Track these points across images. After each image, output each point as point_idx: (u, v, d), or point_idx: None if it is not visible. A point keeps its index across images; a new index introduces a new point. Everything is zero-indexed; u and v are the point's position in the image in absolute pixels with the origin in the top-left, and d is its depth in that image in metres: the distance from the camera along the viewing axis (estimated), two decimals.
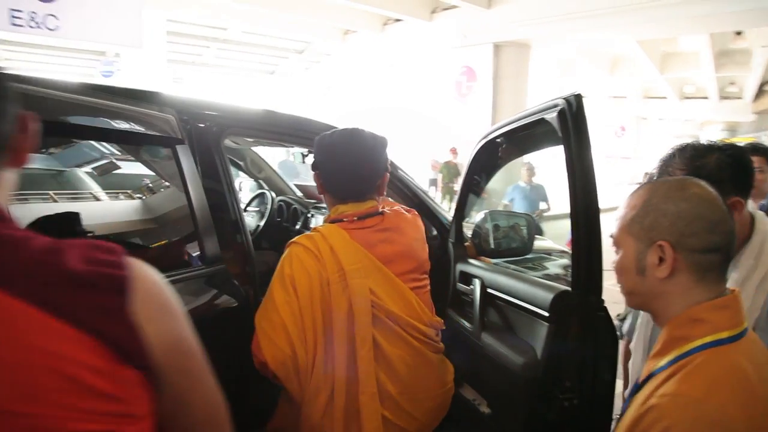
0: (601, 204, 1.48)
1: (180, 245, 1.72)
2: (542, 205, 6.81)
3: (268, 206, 3.15)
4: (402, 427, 1.58)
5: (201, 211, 1.65)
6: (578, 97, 1.57)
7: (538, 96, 10.94)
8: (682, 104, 18.68)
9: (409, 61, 11.92)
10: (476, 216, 2.60)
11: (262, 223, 3.09)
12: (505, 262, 2.44)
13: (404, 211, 1.71)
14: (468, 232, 2.50)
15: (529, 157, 6.40)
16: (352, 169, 1.53)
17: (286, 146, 2.60)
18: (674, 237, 0.93)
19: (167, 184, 1.68)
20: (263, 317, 1.46)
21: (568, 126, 1.56)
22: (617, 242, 1.01)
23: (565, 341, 1.61)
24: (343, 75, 13.99)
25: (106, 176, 1.83)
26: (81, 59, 13.77)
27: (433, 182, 13.10)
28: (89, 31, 7.79)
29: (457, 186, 10.95)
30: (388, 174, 1.63)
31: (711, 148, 1.20)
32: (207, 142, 1.79)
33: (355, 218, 1.54)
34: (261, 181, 3.50)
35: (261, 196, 3.35)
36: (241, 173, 3.60)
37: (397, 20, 11.36)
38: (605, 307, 1.54)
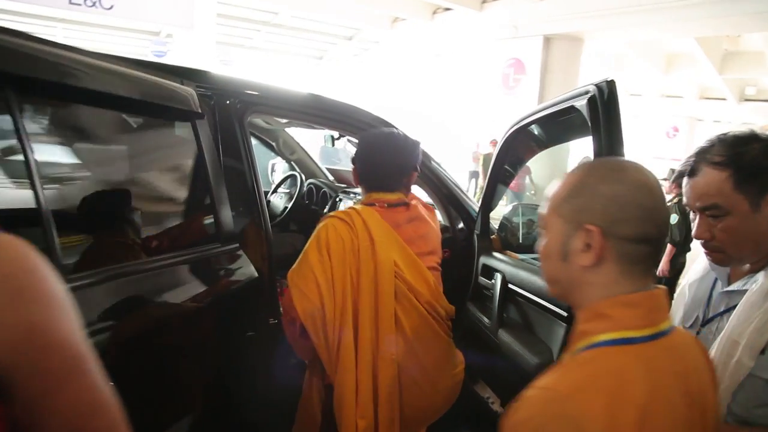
0: None
1: (194, 223, 1.71)
2: None
3: (297, 188, 3.14)
4: (413, 400, 1.67)
5: (217, 190, 1.63)
6: (611, 84, 1.46)
7: None
8: (741, 106, 17.75)
9: (457, 51, 11.74)
10: (506, 208, 2.54)
11: (290, 205, 3.09)
12: (532, 258, 2.38)
13: (423, 206, 1.89)
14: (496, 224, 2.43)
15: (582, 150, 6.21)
16: (384, 165, 1.76)
17: (315, 128, 2.59)
18: (605, 222, 0.83)
19: (182, 159, 1.66)
20: (297, 274, 1.62)
21: (599, 115, 1.45)
22: (544, 223, 0.92)
23: None
24: (390, 63, 13.90)
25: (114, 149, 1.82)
26: (135, 39, 14.12)
27: (475, 174, 12.93)
28: (142, 10, 8.01)
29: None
30: (416, 173, 1.82)
31: (755, 137, 1.10)
32: (230, 119, 1.78)
33: (386, 204, 1.74)
34: (293, 163, 3.50)
35: (291, 177, 3.35)
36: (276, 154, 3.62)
37: (447, 9, 11.18)
38: None
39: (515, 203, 2.59)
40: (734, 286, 1.16)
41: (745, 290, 1.11)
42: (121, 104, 1.35)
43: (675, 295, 1.35)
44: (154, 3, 7.94)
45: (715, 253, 1.15)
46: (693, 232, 1.17)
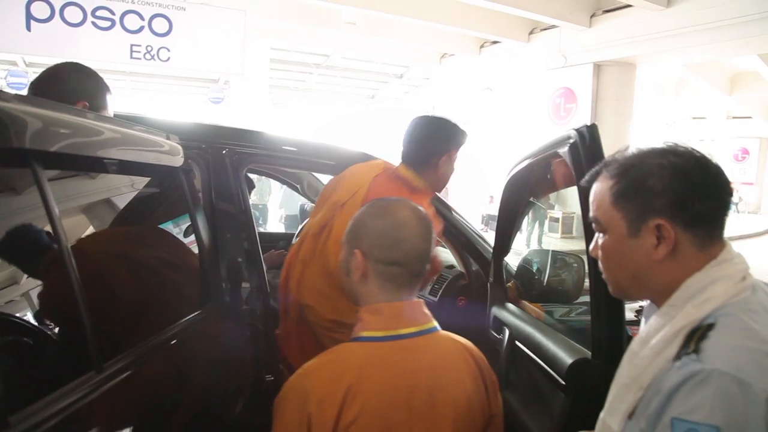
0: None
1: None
2: None
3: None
4: None
5: (206, 249, 1.58)
6: (592, 129, 1.41)
7: (646, 118, 10.24)
8: None
9: (506, 83, 11.64)
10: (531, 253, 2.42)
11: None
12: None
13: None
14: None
15: None
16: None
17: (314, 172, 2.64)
18: (367, 248, 1.13)
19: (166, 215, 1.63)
20: None
21: (582, 162, 1.39)
22: (341, 246, 1.20)
23: (583, 419, 1.31)
24: (440, 98, 13.95)
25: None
26: (196, 87, 14.89)
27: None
28: (196, 60, 8.41)
29: (554, 212, 10.45)
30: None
31: (675, 152, 0.94)
32: (225, 171, 1.77)
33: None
34: None
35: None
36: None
37: (495, 42, 11.16)
38: None
39: (531, 249, 2.48)
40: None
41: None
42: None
43: None
44: (208, 53, 8.32)
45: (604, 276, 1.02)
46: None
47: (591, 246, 1.01)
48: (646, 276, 0.92)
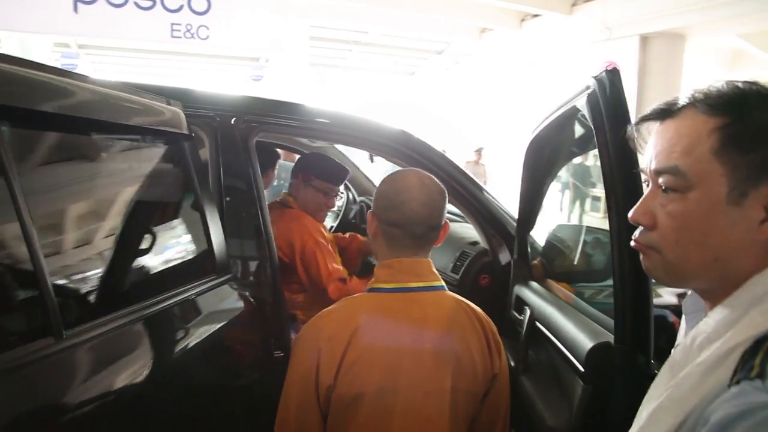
0: None
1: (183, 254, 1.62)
2: None
3: (344, 207, 3.14)
4: None
5: (210, 216, 1.55)
6: (612, 74, 1.23)
7: None
8: None
9: (548, 57, 11.32)
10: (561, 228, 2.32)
11: (335, 224, 3.08)
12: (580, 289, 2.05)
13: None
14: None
15: None
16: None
17: (333, 144, 2.59)
18: (376, 210, 1.28)
19: (171, 184, 1.61)
20: None
21: (602, 115, 1.23)
22: None
23: (603, 411, 1.26)
24: (481, 74, 13.68)
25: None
26: (238, 66, 15.06)
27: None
28: (235, 38, 8.51)
29: (597, 190, 10.19)
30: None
31: None
32: (234, 140, 1.73)
33: None
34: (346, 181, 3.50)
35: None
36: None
37: (536, 15, 10.84)
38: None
39: (560, 224, 2.34)
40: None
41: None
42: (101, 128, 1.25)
43: None
44: (246, 31, 8.41)
45: (649, 250, 0.73)
46: (630, 213, 0.75)
47: (638, 210, 0.73)
48: (733, 261, 0.67)
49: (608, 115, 1.23)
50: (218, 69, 15.51)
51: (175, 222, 1.62)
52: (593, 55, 9.84)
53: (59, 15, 7.24)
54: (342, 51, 15.34)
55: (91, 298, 1.18)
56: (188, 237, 1.58)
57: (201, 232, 1.52)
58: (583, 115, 1.40)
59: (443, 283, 1.29)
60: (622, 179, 1.21)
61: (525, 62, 11.96)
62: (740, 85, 0.67)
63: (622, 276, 1.19)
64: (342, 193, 3.40)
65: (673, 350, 0.72)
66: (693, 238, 0.68)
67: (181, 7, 7.79)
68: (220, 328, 1.52)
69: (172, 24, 7.98)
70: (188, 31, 8.14)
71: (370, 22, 11.98)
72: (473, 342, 1.23)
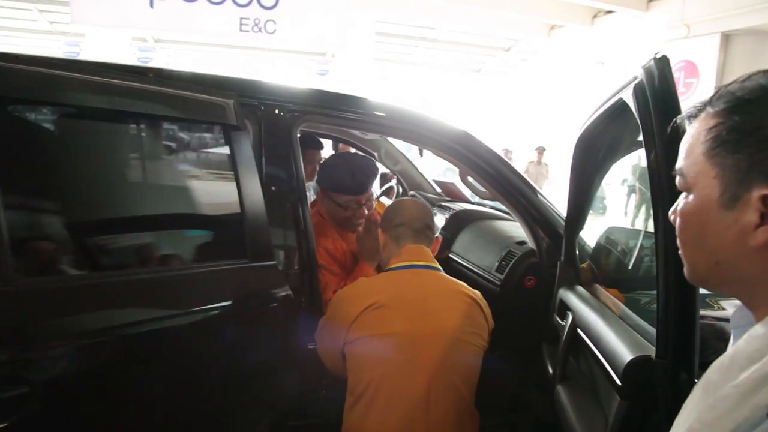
0: None
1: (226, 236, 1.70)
2: None
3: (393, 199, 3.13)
4: None
5: (254, 205, 1.60)
6: (661, 62, 1.14)
7: None
8: None
9: (620, 56, 10.86)
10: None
11: None
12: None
13: None
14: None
15: None
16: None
17: (378, 134, 2.54)
18: (382, 225, 1.81)
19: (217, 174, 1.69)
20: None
21: (649, 107, 1.14)
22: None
23: (640, 431, 1.17)
24: (549, 72, 13.32)
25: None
26: (306, 60, 15.35)
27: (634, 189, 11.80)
28: (301, 33, 8.67)
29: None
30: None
31: None
32: (277, 130, 1.77)
33: None
34: (397, 174, 3.50)
35: (389, 189, 3.35)
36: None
37: (609, 12, 10.43)
38: None
39: (612, 226, 2.22)
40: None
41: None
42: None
43: None
44: (312, 26, 8.55)
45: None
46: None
47: (672, 208, 0.72)
48: (733, 265, 0.64)
49: (656, 107, 1.13)
50: (285, 63, 15.85)
51: (224, 206, 1.69)
52: (669, 54, 9.33)
53: (136, 10, 7.62)
54: (408, 47, 15.32)
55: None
56: (232, 221, 1.64)
57: (245, 218, 1.58)
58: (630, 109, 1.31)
59: (439, 267, 1.73)
60: (668, 177, 1.08)
61: (595, 61, 11.53)
62: (759, 81, 0.63)
63: (666, 283, 1.11)
64: (393, 187, 3.39)
65: (708, 369, 0.64)
66: (693, 239, 0.69)
67: (250, 2, 8.02)
68: (256, 311, 1.63)
69: (241, 18, 8.22)
70: (256, 25, 8.36)
71: (437, 18, 11.90)
72: (469, 311, 1.66)
